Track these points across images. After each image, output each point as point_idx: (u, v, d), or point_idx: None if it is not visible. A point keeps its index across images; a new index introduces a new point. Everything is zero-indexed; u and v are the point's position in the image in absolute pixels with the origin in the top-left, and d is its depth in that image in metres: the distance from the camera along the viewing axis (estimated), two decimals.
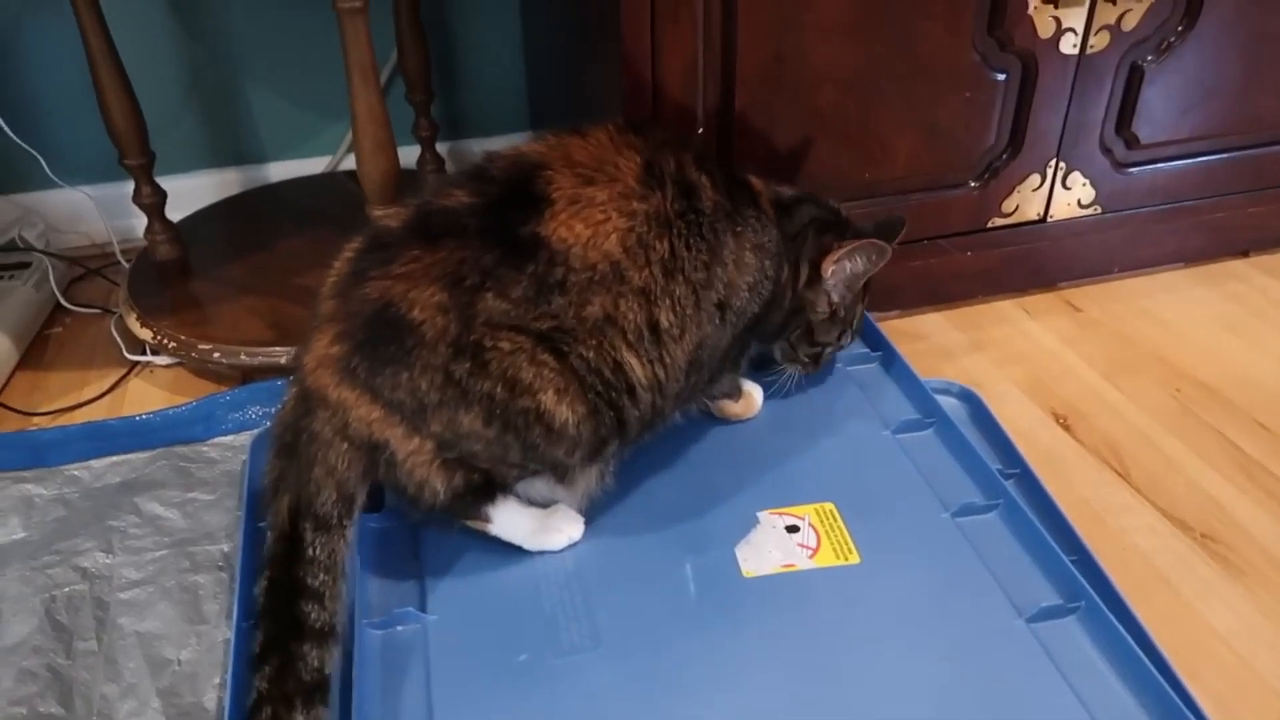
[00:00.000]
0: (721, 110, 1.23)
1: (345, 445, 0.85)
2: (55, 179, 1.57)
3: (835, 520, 1.00)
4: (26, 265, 1.50)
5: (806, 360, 1.15)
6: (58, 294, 1.51)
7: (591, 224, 0.86)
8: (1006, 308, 1.52)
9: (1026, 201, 1.44)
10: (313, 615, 0.81)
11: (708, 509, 1.02)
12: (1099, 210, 1.49)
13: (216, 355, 1.28)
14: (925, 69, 1.28)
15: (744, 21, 1.18)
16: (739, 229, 0.97)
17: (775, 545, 0.98)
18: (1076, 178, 1.44)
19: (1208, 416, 1.27)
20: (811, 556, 0.96)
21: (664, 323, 0.90)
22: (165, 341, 1.31)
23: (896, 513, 1.01)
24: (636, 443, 0.98)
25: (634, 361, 0.89)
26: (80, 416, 1.28)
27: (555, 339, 0.85)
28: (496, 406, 0.84)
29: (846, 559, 0.96)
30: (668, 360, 0.91)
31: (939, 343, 1.44)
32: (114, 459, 1.15)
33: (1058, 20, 1.30)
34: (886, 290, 1.45)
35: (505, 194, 0.87)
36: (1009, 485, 1.04)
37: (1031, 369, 1.38)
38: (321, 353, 0.85)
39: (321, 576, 0.83)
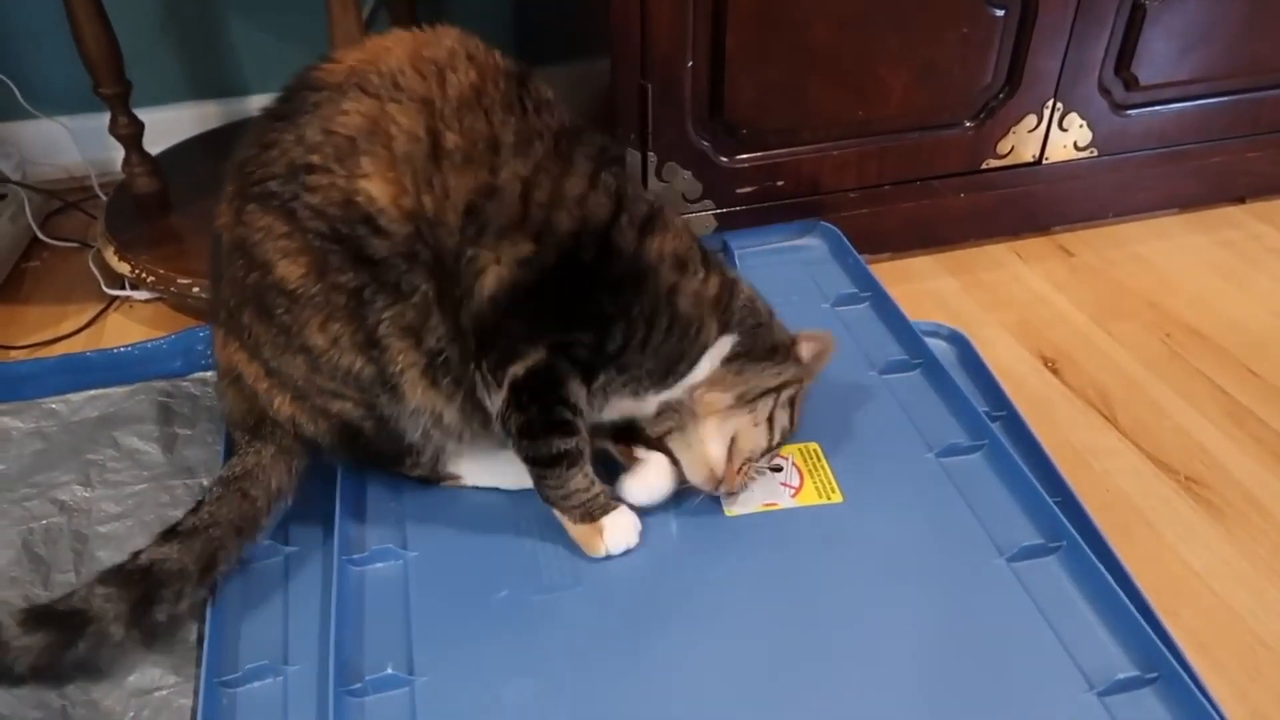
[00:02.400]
0: (713, 48, 1.20)
1: (224, 382, 0.92)
2: (30, 109, 1.53)
3: (819, 460, 0.99)
4: (2, 198, 1.47)
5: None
6: (34, 227, 1.48)
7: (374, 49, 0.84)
8: (998, 251, 1.51)
9: (1022, 143, 1.42)
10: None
11: None
12: (1095, 153, 1.47)
13: (196, 290, 1.26)
14: (922, 4, 1.25)
15: None
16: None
17: (758, 484, 0.97)
18: (1074, 119, 1.42)
19: (1197, 362, 1.27)
20: (794, 495, 0.96)
21: (449, 144, 0.80)
22: (144, 275, 1.29)
23: (881, 453, 1.01)
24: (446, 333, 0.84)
25: (376, 186, 0.79)
26: (58, 351, 1.26)
27: (285, 196, 0.80)
28: (252, 292, 0.83)
29: (829, 498, 0.96)
30: (437, 189, 0.80)
31: (929, 285, 1.43)
32: (92, 393, 1.13)
33: None
34: (878, 232, 1.43)
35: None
36: (995, 427, 1.03)
37: (1021, 313, 1.37)
38: None
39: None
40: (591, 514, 0.88)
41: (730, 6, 1.18)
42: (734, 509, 0.95)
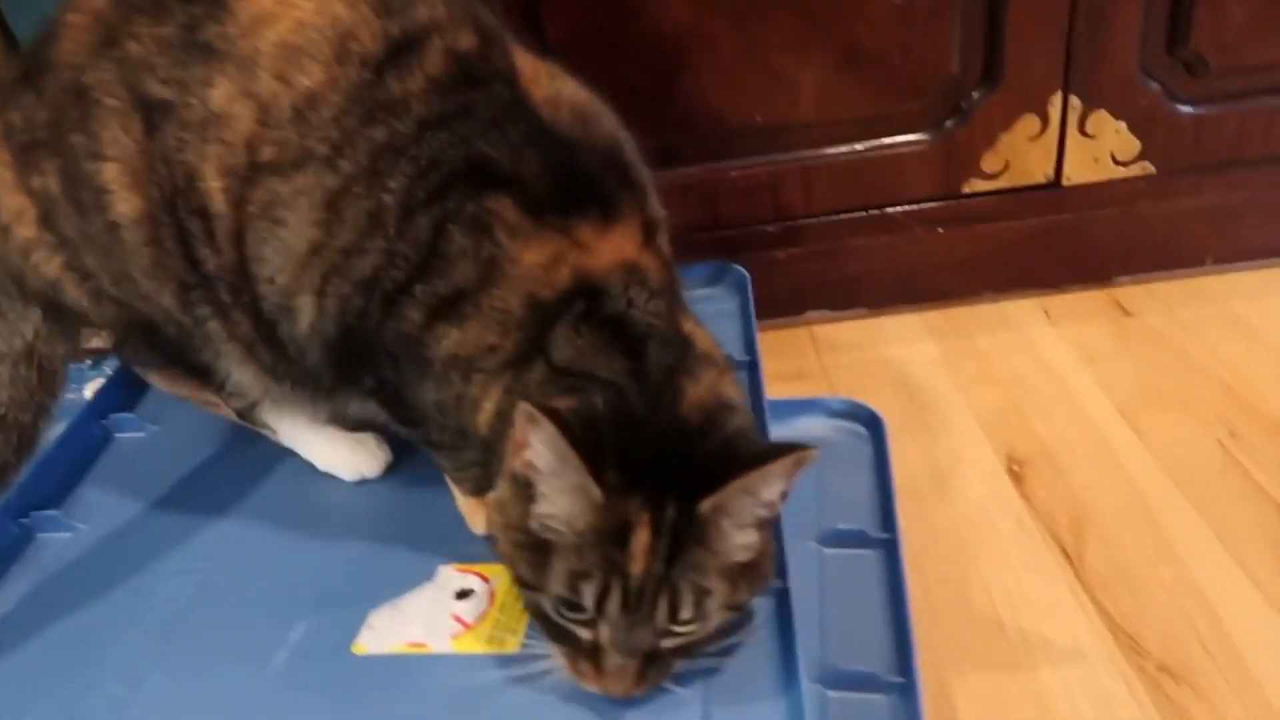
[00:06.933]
0: (530, 40, 0.95)
1: None
2: None
3: None
4: None
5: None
6: None
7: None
8: (1020, 308, 1.10)
9: (1021, 156, 1.01)
10: None
11: (383, 555, 0.76)
12: (1150, 169, 1.03)
13: None
14: None
15: None
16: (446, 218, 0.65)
17: (425, 613, 0.69)
18: (1104, 120, 1.00)
19: (1262, 476, 0.81)
20: (455, 637, 0.67)
21: (266, 156, 0.68)
22: None
23: None
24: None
25: (216, 188, 0.69)
26: None
27: (155, 115, 0.69)
28: (71, 158, 0.71)
29: (501, 646, 0.66)
30: (251, 209, 0.69)
31: (892, 352, 1.06)
32: None
33: None
34: (847, 281, 1.09)
35: None
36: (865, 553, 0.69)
37: (1009, 392, 0.97)
38: None
39: None
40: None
41: None
42: (366, 646, 0.67)
